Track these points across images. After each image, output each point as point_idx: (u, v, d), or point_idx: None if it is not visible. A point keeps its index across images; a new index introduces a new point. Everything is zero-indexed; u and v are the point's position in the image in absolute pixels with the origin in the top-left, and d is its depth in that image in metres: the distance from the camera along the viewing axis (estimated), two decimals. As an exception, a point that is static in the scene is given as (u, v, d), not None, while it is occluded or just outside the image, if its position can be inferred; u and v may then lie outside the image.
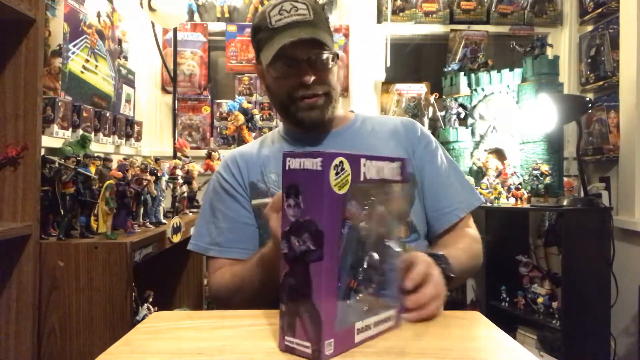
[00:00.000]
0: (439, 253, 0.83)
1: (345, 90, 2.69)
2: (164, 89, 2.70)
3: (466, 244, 1.02)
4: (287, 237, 0.60)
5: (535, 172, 2.19)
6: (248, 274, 0.93)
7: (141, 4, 2.30)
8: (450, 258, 0.85)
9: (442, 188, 1.07)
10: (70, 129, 1.64)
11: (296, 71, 0.99)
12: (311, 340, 0.58)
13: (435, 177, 1.08)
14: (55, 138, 1.55)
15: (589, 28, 2.61)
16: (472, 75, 2.49)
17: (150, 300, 1.44)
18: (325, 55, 1.00)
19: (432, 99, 2.62)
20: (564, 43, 2.74)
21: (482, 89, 2.46)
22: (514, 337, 0.85)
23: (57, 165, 1.22)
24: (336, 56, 1.03)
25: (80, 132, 1.67)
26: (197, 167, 2.02)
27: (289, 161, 0.60)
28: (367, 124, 1.13)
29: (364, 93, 2.70)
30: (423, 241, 1.07)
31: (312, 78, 0.99)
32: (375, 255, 0.66)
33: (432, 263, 0.77)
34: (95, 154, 1.35)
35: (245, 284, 0.94)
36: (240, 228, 1.06)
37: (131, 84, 2.28)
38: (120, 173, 1.30)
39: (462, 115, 2.49)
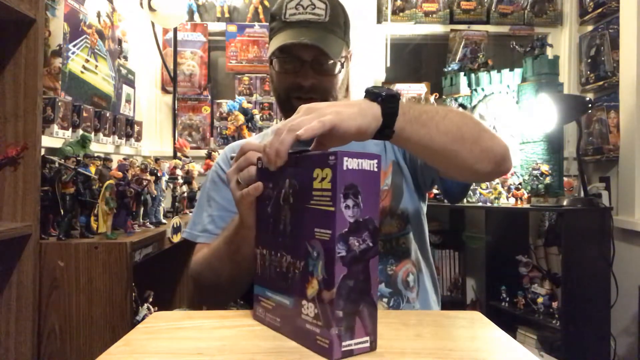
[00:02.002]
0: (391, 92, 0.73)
1: (345, 90, 2.68)
2: (164, 89, 2.70)
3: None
4: (345, 238, 0.58)
5: (535, 172, 2.19)
6: (216, 246, 0.92)
7: (141, 4, 2.30)
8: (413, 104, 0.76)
9: None
10: (70, 129, 1.64)
11: (297, 70, 0.97)
12: (369, 333, 0.60)
13: None
14: (55, 138, 1.55)
15: (589, 28, 2.61)
16: (472, 75, 2.49)
17: (150, 300, 1.44)
18: (329, 62, 0.97)
19: (432, 99, 2.62)
20: (564, 43, 2.74)
21: (482, 89, 2.46)
22: (514, 337, 0.85)
23: (57, 165, 1.22)
24: (342, 64, 1.00)
25: (80, 132, 1.67)
26: (197, 167, 2.01)
27: (347, 161, 0.58)
28: None
29: (364, 93, 2.70)
30: (414, 234, 1.04)
31: (311, 82, 0.97)
32: None
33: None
34: (95, 154, 1.35)
35: (214, 256, 0.92)
36: (231, 217, 1.03)
37: (131, 84, 2.28)
38: (120, 173, 1.30)
39: (462, 115, 2.49)
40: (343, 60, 1.01)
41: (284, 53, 0.97)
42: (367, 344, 0.60)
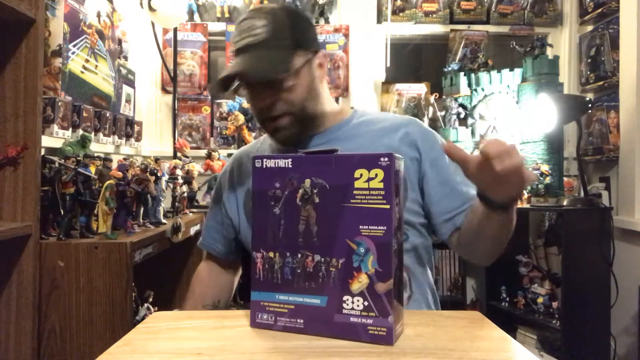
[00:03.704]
0: None
1: (345, 90, 2.69)
2: (164, 89, 2.70)
3: None
4: (395, 233, 0.64)
5: (535, 172, 2.19)
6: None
7: (141, 4, 2.30)
8: None
9: (458, 185, 1.02)
10: (70, 129, 1.64)
11: (254, 96, 0.99)
12: (402, 318, 0.68)
13: (449, 176, 1.02)
14: (55, 138, 1.55)
15: (589, 28, 2.61)
16: (472, 75, 2.49)
17: (150, 300, 1.44)
18: (277, 78, 0.95)
19: (432, 99, 2.62)
20: (564, 43, 2.74)
21: (482, 89, 2.46)
22: (514, 337, 0.85)
23: (57, 165, 1.22)
24: (297, 71, 0.97)
25: (80, 132, 1.67)
26: (197, 167, 2.01)
27: (398, 164, 0.65)
28: (363, 121, 1.09)
29: (364, 93, 2.70)
30: (413, 244, 1.02)
31: (269, 101, 0.97)
32: None
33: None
34: (95, 154, 1.35)
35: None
36: (216, 228, 1.18)
37: (131, 84, 2.28)
38: (120, 173, 1.30)
39: (462, 115, 2.49)
40: (299, 66, 0.98)
41: (233, 84, 0.99)
42: (401, 327, 0.67)
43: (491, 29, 2.77)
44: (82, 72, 1.79)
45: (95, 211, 1.26)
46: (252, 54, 0.96)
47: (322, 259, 0.66)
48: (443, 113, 2.55)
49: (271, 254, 0.70)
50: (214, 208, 1.19)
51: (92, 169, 1.27)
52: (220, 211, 1.16)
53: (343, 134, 1.06)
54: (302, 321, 0.67)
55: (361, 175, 0.63)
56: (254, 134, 2.57)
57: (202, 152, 2.42)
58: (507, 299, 2.29)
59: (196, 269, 1.23)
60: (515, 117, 2.38)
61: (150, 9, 2.20)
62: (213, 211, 1.19)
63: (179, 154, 2.29)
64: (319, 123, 1.05)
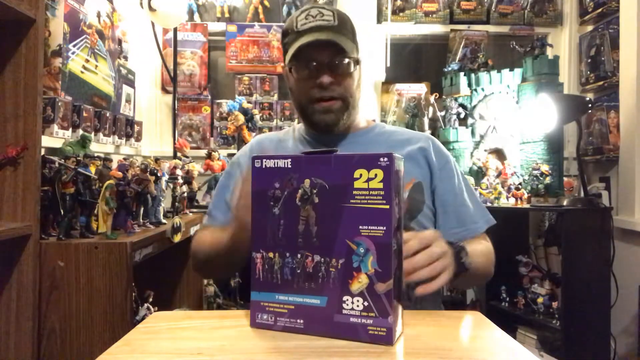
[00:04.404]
0: (459, 244, 0.83)
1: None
2: (164, 89, 2.70)
3: (484, 248, 1.07)
4: (394, 233, 0.63)
5: (535, 172, 2.19)
6: (216, 241, 0.99)
7: (141, 4, 2.30)
8: (470, 251, 0.85)
9: (458, 207, 1.09)
10: (70, 129, 1.64)
11: (315, 73, 1.01)
12: (401, 318, 0.68)
13: (451, 197, 1.09)
14: (55, 138, 1.55)
15: (589, 28, 2.61)
16: (472, 75, 2.49)
17: (150, 300, 1.44)
18: (345, 60, 1.01)
19: (432, 99, 2.62)
20: (564, 43, 2.74)
21: (482, 89, 2.46)
22: (514, 337, 0.85)
23: (57, 165, 1.22)
24: (356, 62, 1.04)
25: (80, 132, 1.67)
26: (197, 167, 2.01)
27: (398, 164, 0.65)
28: (384, 131, 1.16)
29: (364, 93, 2.69)
30: None
31: (330, 80, 1.01)
32: None
33: (436, 237, 0.76)
34: (95, 154, 1.35)
35: (213, 252, 1.00)
36: (221, 208, 1.12)
37: (131, 84, 2.28)
38: (120, 173, 1.30)
39: (462, 115, 2.49)
40: (356, 59, 1.05)
41: (300, 58, 1.01)
42: (401, 328, 0.67)
43: (491, 29, 2.77)
44: (82, 72, 1.79)
45: (95, 211, 1.26)
46: (324, 32, 1.00)
47: (322, 259, 0.66)
48: (443, 113, 2.55)
49: (271, 254, 0.69)
50: (225, 187, 1.15)
51: (92, 169, 1.27)
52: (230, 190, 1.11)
53: (365, 139, 1.11)
54: (302, 321, 0.67)
55: (361, 175, 0.63)
56: (254, 134, 2.57)
57: (202, 152, 2.42)
58: (507, 299, 2.29)
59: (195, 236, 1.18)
60: (515, 117, 2.38)
61: (150, 9, 2.20)
62: (222, 190, 1.15)
63: (179, 154, 2.29)
64: (351, 122, 1.10)
